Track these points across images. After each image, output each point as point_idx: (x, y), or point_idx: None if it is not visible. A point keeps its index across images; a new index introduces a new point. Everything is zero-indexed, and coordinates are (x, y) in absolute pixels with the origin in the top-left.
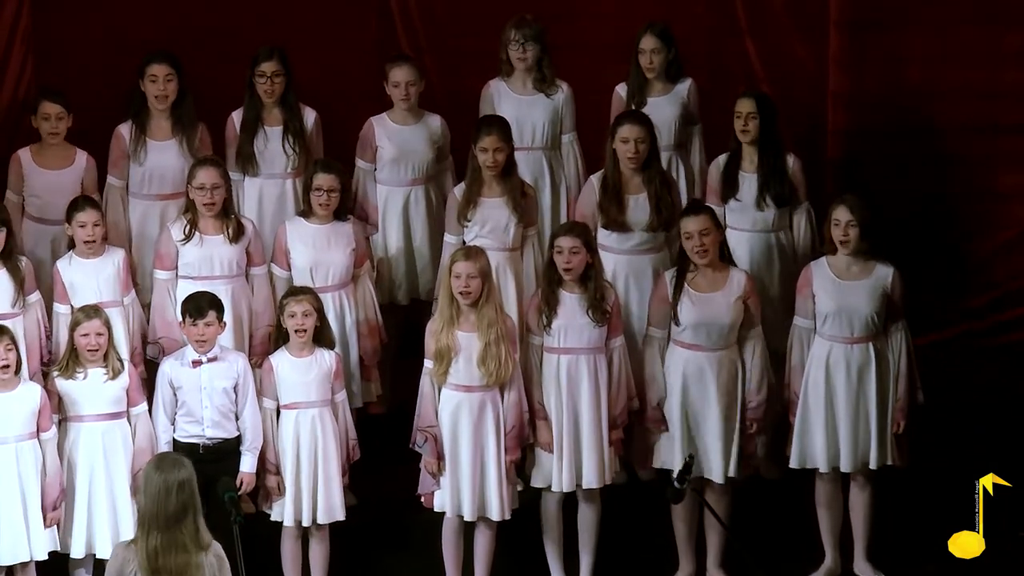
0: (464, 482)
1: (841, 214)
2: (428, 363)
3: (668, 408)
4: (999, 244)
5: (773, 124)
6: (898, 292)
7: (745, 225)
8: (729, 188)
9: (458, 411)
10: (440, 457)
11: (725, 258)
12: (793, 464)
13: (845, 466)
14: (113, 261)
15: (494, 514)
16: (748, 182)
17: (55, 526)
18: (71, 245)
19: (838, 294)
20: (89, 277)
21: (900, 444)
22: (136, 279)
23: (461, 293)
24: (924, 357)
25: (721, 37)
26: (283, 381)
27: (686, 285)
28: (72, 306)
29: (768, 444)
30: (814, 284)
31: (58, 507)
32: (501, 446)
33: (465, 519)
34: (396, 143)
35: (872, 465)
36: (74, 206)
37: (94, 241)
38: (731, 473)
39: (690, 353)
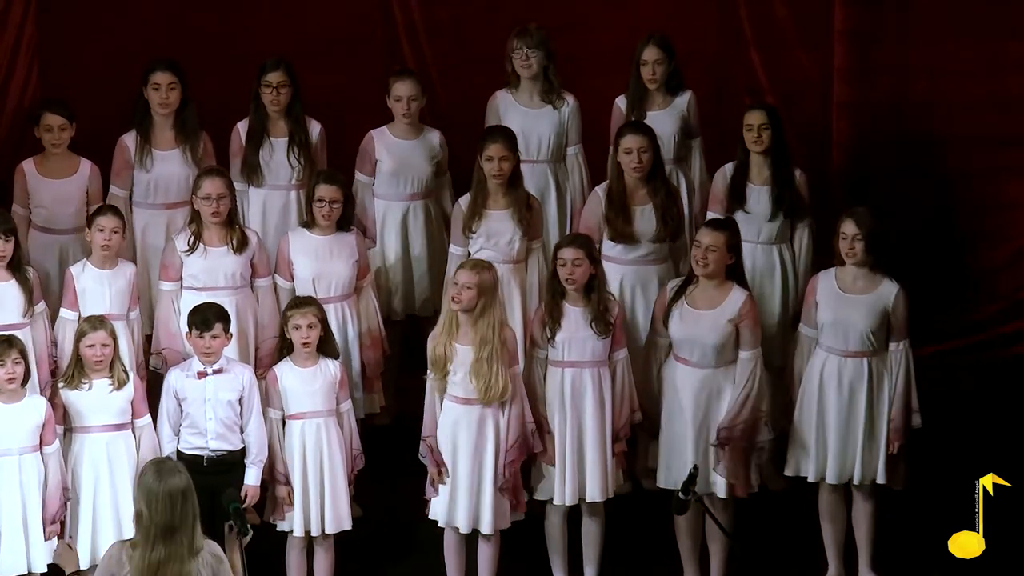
0: (460, 494)
1: (848, 227)
2: (430, 372)
3: (662, 419)
4: (1004, 255)
5: (782, 135)
6: (900, 311)
7: (750, 237)
8: (736, 200)
9: (457, 424)
10: (440, 466)
11: (733, 278)
12: (787, 471)
13: (831, 478)
14: (125, 274)
15: (485, 527)
16: (755, 194)
17: (55, 539)
18: (87, 252)
19: (837, 306)
20: (102, 286)
21: (896, 465)
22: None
23: (452, 299)
24: (928, 369)
25: (726, 48)
26: (288, 391)
27: (683, 299)
28: (80, 314)
29: (772, 456)
30: (818, 293)
31: (57, 520)
32: (500, 460)
33: (461, 531)
34: (396, 157)
35: (856, 481)
36: (98, 211)
37: (110, 247)
38: (716, 491)
39: (678, 366)
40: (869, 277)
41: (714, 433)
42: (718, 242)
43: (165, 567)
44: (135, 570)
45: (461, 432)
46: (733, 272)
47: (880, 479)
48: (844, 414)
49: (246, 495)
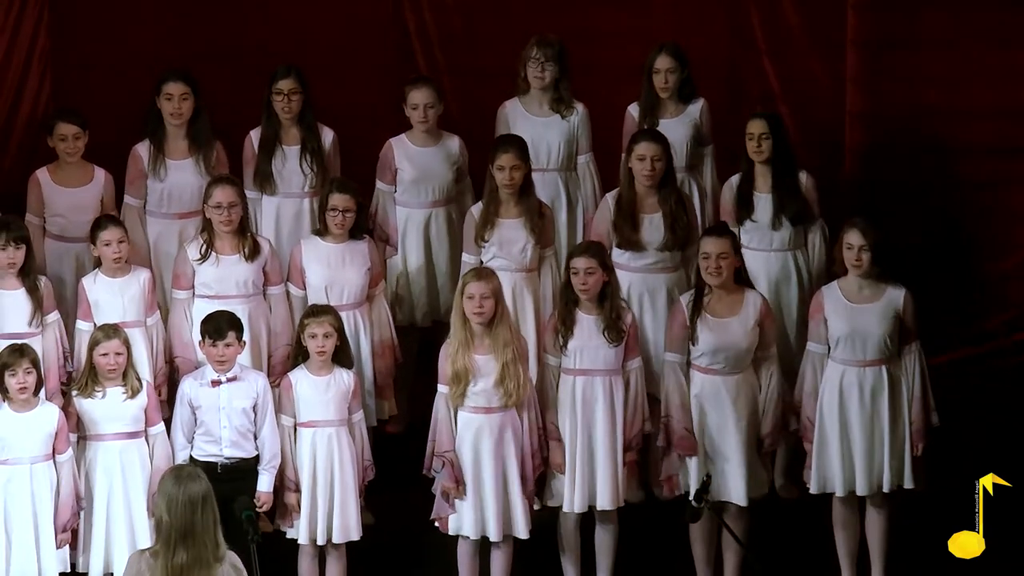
0: (488, 504)
1: (854, 238)
2: (442, 388)
3: (696, 434)
4: (1015, 264)
5: (785, 143)
6: (910, 314)
7: (762, 245)
8: (744, 209)
9: (479, 433)
10: (459, 481)
11: (741, 281)
12: (813, 489)
13: (861, 489)
14: (138, 281)
15: (521, 532)
16: (763, 202)
17: (66, 546)
18: (97, 264)
19: (850, 317)
20: (115, 296)
21: (916, 467)
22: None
23: (475, 313)
24: (939, 377)
25: (739, 58)
26: (301, 399)
27: (703, 310)
28: (95, 324)
29: (785, 465)
30: (826, 308)
31: (69, 528)
32: (527, 465)
33: (491, 539)
34: (416, 165)
35: (885, 488)
36: (97, 226)
37: (121, 257)
38: (754, 494)
39: (707, 377)
40: (874, 285)
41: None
42: (726, 248)
43: (190, 571)
44: None
45: (484, 442)
46: (739, 275)
47: (908, 483)
48: (868, 423)
49: (259, 501)
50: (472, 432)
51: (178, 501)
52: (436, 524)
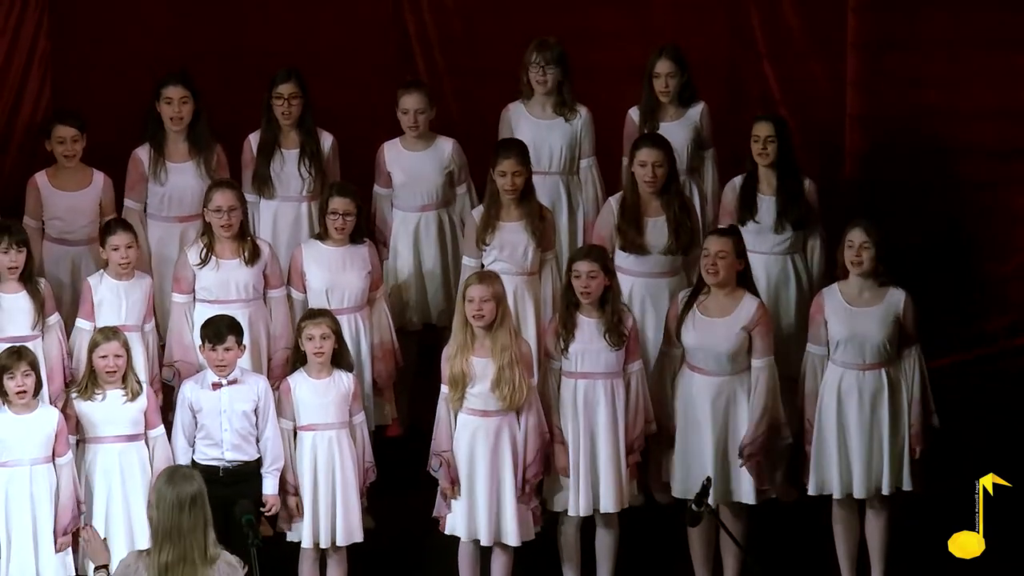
0: (480, 507)
1: (856, 236)
2: (445, 388)
3: (677, 430)
4: (1015, 267)
5: (790, 147)
6: (910, 318)
7: (762, 248)
8: (746, 210)
9: (475, 436)
10: (454, 482)
11: (744, 285)
12: (811, 491)
13: (859, 492)
14: (142, 286)
15: (511, 540)
16: (766, 204)
17: (68, 550)
18: (103, 266)
19: (850, 320)
20: (119, 298)
21: (915, 470)
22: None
23: (474, 316)
24: (939, 380)
25: (739, 60)
26: (301, 402)
27: (695, 307)
28: (95, 324)
29: (784, 468)
30: (826, 311)
31: (69, 532)
32: (519, 471)
33: (482, 544)
34: (405, 169)
35: (884, 491)
36: (107, 229)
37: (129, 263)
38: (737, 499)
39: (693, 375)
40: (875, 288)
41: (736, 447)
42: (727, 247)
43: (175, 569)
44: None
45: (479, 444)
46: (743, 279)
47: (906, 486)
48: (867, 427)
49: (266, 504)
50: (469, 433)
51: (167, 499)
52: (439, 522)
